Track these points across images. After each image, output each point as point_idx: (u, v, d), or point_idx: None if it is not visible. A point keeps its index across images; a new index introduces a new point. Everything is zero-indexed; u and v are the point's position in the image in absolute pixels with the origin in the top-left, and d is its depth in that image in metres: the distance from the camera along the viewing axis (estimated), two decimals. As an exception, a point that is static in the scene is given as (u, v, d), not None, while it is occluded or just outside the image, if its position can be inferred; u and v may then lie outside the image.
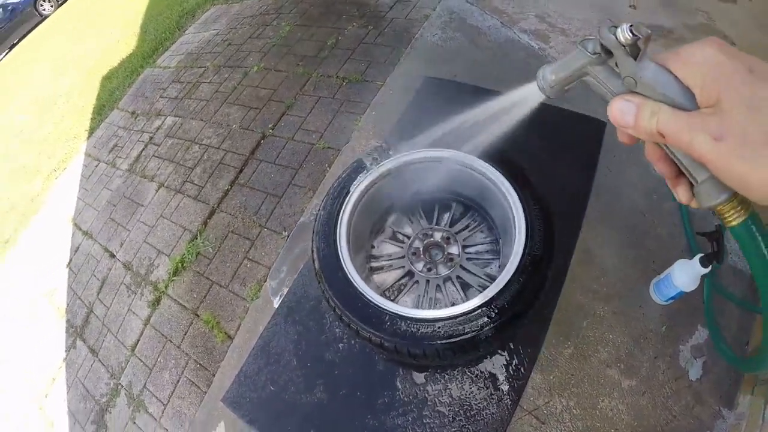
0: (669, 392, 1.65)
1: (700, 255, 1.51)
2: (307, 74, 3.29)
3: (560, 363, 1.73)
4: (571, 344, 1.76)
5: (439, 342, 1.34)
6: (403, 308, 1.42)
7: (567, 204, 2.03)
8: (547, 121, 2.37)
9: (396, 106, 2.70)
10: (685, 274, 1.57)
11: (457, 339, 1.33)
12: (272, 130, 3.01)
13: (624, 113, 0.42)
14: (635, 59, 0.40)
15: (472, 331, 1.33)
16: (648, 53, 0.41)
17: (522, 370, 1.70)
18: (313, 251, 1.60)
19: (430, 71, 2.87)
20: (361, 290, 1.47)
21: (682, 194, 0.43)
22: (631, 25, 0.39)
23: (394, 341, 1.36)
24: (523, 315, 1.39)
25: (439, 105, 2.55)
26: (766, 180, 0.33)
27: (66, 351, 2.70)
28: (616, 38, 0.40)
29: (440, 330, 1.34)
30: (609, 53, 0.43)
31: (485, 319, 1.34)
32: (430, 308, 1.69)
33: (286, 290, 2.10)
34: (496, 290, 1.38)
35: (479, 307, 1.36)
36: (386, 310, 1.41)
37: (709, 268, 1.50)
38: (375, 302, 1.43)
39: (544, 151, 2.23)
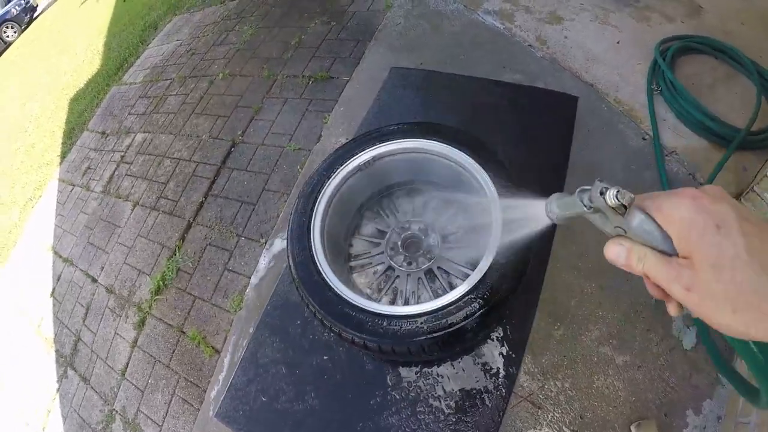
0: (664, 364, 1.63)
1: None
2: (273, 76, 3.23)
3: (551, 345, 1.70)
4: (561, 325, 1.73)
5: (423, 338, 1.30)
6: (384, 306, 1.38)
7: (543, 182, 2.00)
8: (519, 100, 2.36)
9: (364, 100, 2.65)
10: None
11: (441, 333, 1.29)
12: (242, 136, 2.96)
13: (618, 255, 0.49)
14: (623, 215, 0.47)
15: (456, 324, 1.29)
16: (633, 207, 0.47)
17: (513, 356, 1.67)
18: (288, 256, 1.55)
19: (396, 61, 2.82)
20: (339, 292, 1.42)
21: (672, 309, 0.49)
22: (617, 192, 0.45)
23: (377, 341, 1.32)
24: (506, 301, 1.35)
25: (407, 94, 2.53)
26: (725, 325, 0.40)
27: (58, 382, 2.65)
28: (605, 202, 0.46)
29: (423, 325, 1.30)
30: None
31: (468, 310, 1.30)
32: (412, 303, 1.65)
33: (267, 299, 2.06)
34: (477, 279, 1.34)
35: (460, 298, 1.32)
36: (366, 309, 1.37)
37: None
38: (354, 303, 1.39)
39: (518, 131, 2.20)
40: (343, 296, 1.41)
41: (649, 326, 1.70)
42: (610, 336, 1.70)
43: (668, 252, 0.44)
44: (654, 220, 0.45)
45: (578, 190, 0.52)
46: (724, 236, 0.39)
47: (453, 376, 1.67)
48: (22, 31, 10.18)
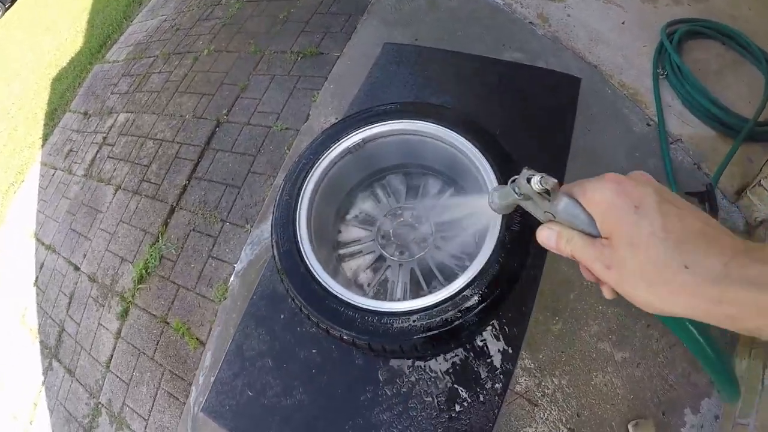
0: (664, 361, 1.58)
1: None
2: (260, 52, 3.08)
3: (549, 341, 1.63)
4: (560, 319, 1.66)
5: (416, 336, 1.21)
6: (375, 302, 1.28)
7: (544, 168, 1.90)
8: (519, 80, 2.25)
9: (355, 78, 2.52)
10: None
11: (436, 331, 1.21)
12: (227, 116, 2.82)
13: (548, 239, 0.51)
14: (549, 201, 0.49)
15: (452, 321, 1.20)
16: (559, 192, 0.49)
17: (509, 352, 1.60)
18: (273, 246, 1.45)
19: (390, 37, 2.68)
20: (326, 285, 1.33)
21: (606, 292, 0.49)
22: (541, 178, 0.48)
23: (366, 339, 1.24)
24: (504, 297, 1.26)
25: (401, 72, 2.41)
26: (643, 301, 0.41)
27: (44, 374, 2.58)
28: (531, 187, 0.50)
29: (416, 323, 1.22)
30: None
31: (464, 306, 1.21)
32: (404, 295, 1.56)
33: (252, 289, 1.97)
34: (473, 274, 1.25)
35: (456, 294, 1.23)
36: (356, 305, 1.28)
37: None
38: (343, 298, 1.30)
39: (517, 113, 2.10)
40: (331, 290, 1.32)
41: (650, 322, 1.64)
42: (610, 331, 1.64)
43: (594, 234, 0.46)
44: (579, 204, 0.47)
45: (511, 179, 0.55)
46: (642, 216, 0.40)
47: (447, 372, 1.60)
48: (6, 9, 9.80)
